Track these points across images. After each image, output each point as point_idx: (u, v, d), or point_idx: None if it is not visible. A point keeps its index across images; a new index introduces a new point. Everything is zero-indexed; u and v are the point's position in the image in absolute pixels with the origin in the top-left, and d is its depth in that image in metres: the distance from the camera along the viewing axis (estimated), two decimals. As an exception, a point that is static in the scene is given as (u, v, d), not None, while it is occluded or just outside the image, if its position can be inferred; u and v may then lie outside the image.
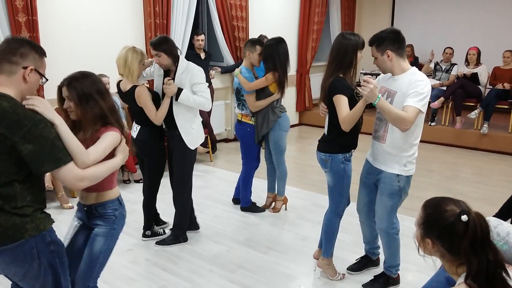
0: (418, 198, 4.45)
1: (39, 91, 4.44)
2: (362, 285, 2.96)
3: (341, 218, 2.97)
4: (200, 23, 7.22)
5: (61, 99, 2.04)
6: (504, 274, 1.40)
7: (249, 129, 3.99)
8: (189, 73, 3.30)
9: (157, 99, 3.32)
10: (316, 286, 3.00)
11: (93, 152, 1.88)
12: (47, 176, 4.05)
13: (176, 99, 3.24)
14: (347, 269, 3.14)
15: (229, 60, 6.69)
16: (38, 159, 1.65)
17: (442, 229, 1.45)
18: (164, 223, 3.87)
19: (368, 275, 3.06)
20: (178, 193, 3.54)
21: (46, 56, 1.85)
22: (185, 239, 3.59)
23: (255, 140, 3.99)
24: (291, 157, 6.26)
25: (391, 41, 2.55)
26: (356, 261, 3.17)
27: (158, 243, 3.56)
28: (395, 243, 2.84)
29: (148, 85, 3.60)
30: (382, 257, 3.07)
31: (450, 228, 1.43)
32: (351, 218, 3.39)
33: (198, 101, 3.29)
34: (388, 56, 2.56)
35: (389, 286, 2.94)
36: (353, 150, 2.88)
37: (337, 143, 2.81)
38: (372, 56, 2.67)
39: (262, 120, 3.91)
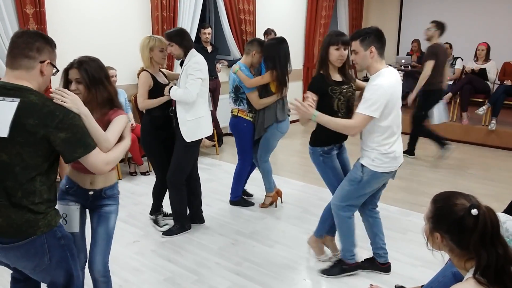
0: (425, 194, 4.49)
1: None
2: (320, 271, 3.04)
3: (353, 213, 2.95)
4: (207, 16, 7.20)
5: (66, 82, 2.07)
6: None
7: (245, 124, 3.94)
8: (188, 64, 3.35)
9: (158, 91, 3.39)
10: (321, 280, 3.00)
11: (111, 137, 1.98)
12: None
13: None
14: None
15: (235, 53, 6.68)
16: (71, 146, 1.73)
17: (451, 223, 1.44)
18: (166, 215, 3.87)
19: (375, 275, 3.06)
20: (168, 183, 3.54)
21: (56, 47, 1.87)
22: (189, 227, 3.65)
23: (257, 134, 3.96)
24: (296, 151, 6.26)
25: (376, 38, 2.56)
26: (360, 261, 3.10)
27: (165, 233, 3.59)
28: (345, 225, 2.91)
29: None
30: (392, 262, 3.07)
31: (459, 222, 1.42)
32: (357, 213, 3.38)
33: (179, 94, 3.30)
34: (371, 52, 2.56)
35: (345, 272, 2.99)
36: (334, 145, 2.95)
37: (317, 136, 2.94)
38: (352, 51, 2.67)
39: (264, 117, 3.87)
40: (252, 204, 4.24)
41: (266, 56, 3.80)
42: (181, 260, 3.22)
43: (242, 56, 6.46)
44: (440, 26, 5.52)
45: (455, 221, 1.43)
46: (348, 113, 2.89)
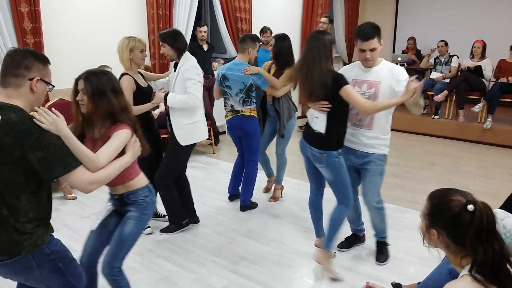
0: (421, 191, 4.50)
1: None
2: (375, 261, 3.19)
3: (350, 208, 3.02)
4: (203, 14, 7.18)
5: (75, 91, 2.08)
6: (508, 266, 1.40)
7: (256, 124, 4.00)
8: (185, 67, 3.33)
9: (141, 95, 3.31)
10: (318, 277, 3.01)
11: (104, 155, 1.92)
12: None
13: (165, 104, 3.38)
14: (338, 246, 3.31)
15: (231, 51, 6.67)
16: (48, 165, 1.69)
17: (448, 219, 1.45)
18: (159, 216, 3.85)
19: (357, 252, 3.10)
20: (156, 185, 3.48)
21: (49, 64, 1.86)
22: (187, 224, 3.66)
23: (280, 132, 4.09)
24: (293, 149, 6.23)
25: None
26: (345, 239, 3.36)
27: (162, 231, 3.60)
28: (385, 214, 3.13)
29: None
30: (389, 259, 3.21)
31: (456, 218, 1.42)
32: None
33: (183, 100, 3.29)
34: (381, 45, 2.76)
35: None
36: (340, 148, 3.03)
37: (334, 140, 2.81)
38: (371, 49, 2.70)
39: (288, 112, 4.05)
40: (257, 204, 4.18)
41: (279, 52, 3.92)
42: (178, 259, 3.22)
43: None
44: (332, 21, 6.18)
45: (451, 217, 1.44)
46: None
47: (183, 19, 5.73)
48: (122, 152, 2.04)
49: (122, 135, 2.03)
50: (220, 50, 6.87)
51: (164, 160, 3.49)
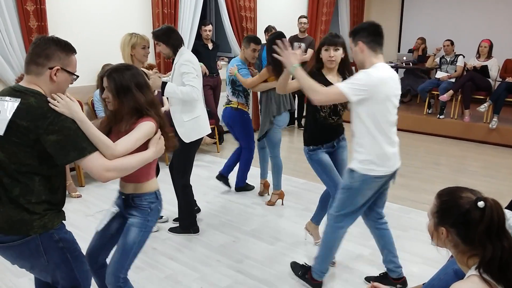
0: (426, 191, 4.48)
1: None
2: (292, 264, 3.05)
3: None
4: (208, 13, 7.18)
5: (101, 89, 2.07)
6: None
7: (245, 115, 4.21)
8: (179, 62, 3.27)
9: None
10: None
11: (123, 144, 1.88)
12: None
13: (163, 94, 3.24)
14: (365, 278, 2.97)
15: (236, 50, 6.66)
16: (62, 149, 1.69)
17: (457, 216, 1.43)
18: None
19: (361, 251, 3.06)
20: (175, 184, 3.57)
21: (75, 52, 1.84)
22: (195, 230, 3.58)
23: (259, 136, 4.09)
24: (298, 149, 6.25)
25: (365, 32, 2.43)
26: (378, 275, 2.92)
27: (170, 230, 3.62)
28: (331, 237, 2.79)
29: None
30: (408, 275, 2.88)
31: (466, 215, 1.41)
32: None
33: (185, 91, 3.19)
34: (360, 47, 2.43)
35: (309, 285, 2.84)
36: (321, 145, 3.03)
37: (307, 136, 3.09)
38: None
39: (266, 110, 3.97)
40: (253, 187, 4.54)
41: (268, 51, 3.82)
42: (182, 258, 3.22)
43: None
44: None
45: (461, 215, 1.42)
46: (333, 114, 2.97)
47: (188, 18, 5.73)
48: (144, 148, 1.99)
49: (144, 127, 1.98)
50: (225, 49, 6.87)
51: (174, 161, 3.48)
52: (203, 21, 5.95)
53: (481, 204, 1.38)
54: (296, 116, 7.47)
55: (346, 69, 3.04)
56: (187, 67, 3.23)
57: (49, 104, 1.70)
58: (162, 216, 3.78)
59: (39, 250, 1.77)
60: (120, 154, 1.84)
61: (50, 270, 1.85)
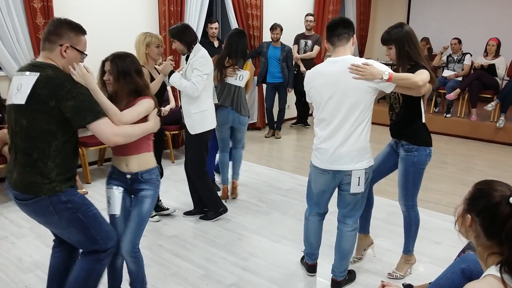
0: (433, 190, 4.46)
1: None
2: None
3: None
4: (214, 11, 7.18)
5: (102, 72, 2.28)
6: None
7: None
8: (194, 58, 3.40)
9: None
10: (327, 275, 2.99)
11: (127, 113, 2.13)
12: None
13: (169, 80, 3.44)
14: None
15: (242, 48, 6.65)
16: (79, 112, 1.93)
17: (485, 206, 1.42)
18: (163, 209, 3.86)
19: (368, 251, 3.05)
20: (193, 177, 3.68)
21: (84, 34, 2.07)
22: (224, 210, 3.80)
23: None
24: (302, 146, 6.25)
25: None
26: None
27: (201, 218, 3.76)
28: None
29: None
30: (415, 274, 3.02)
31: (494, 207, 1.40)
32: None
33: (184, 85, 3.37)
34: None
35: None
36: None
37: (424, 134, 2.75)
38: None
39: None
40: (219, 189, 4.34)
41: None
42: (188, 255, 3.23)
43: (249, 51, 6.51)
44: None
45: (489, 206, 1.41)
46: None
47: (194, 16, 5.73)
48: (144, 121, 2.22)
49: (145, 103, 2.22)
50: (231, 47, 6.85)
51: (187, 152, 3.64)
52: (209, 18, 5.94)
53: None
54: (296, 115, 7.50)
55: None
56: (199, 64, 3.36)
57: (69, 71, 1.96)
58: (168, 208, 3.86)
59: (49, 209, 1.99)
60: (126, 122, 2.10)
61: (64, 227, 2.08)
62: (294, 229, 3.65)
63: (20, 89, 1.92)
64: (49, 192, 1.97)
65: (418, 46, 2.61)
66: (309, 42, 6.79)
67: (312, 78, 2.52)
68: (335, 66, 2.42)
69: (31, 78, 1.91)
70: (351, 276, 2.89)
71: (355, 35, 2.57)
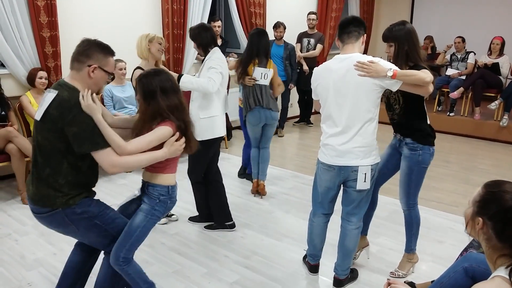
0: (435, 189, 4.45)
1: (57, 73, 4.50)
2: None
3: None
4: (217, 9, 7.18)
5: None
6: None
7: (241, 113, 4.42)
8: (210, 59, 3.34)
9: None
10: (329, 273, 2.99)
11: (135, 143, 2.08)
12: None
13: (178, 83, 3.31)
14: None
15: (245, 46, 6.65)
16: (78, 140, 1.96)
17: (498, 210, 1.39)
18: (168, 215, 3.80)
19: (370, 249, 3.05)
20: (191, 182, 3.59)
21: (113, 55, 2.12)
22: (231, 226, 3.58)
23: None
24: (306, 145, 6.24)
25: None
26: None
27: (206, 227, 3.61)
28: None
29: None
30: (417, 273, 3.02)
31: (507, 211, 1.37)
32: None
33: (200, 82, 3.23)
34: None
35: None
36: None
37: (428, 133, 2.78)
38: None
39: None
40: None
41: None
42: (190, 253, 3.23)
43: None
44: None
45: (502, 210, 1.38)
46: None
47: (198, 14, 5.73)
48: (160, 147, 2.14)
49: (159, 131, 2.12)
50: (234, 45, 6.86)
51: (190, 159, 3.49)
52: (212, 17, 5.94)
53: None
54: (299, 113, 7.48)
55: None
56: (214, 63, 3.29)
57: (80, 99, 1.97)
58: (173, 214, 3.79)
59: (65, 221, 2.06)
60: (131, 152, 2.05)
61: (83, 234, 2.16)
62: (297, 228, 3.65)
63: (41, 106, 1.99)
64: (62, 205, 2.03)
65: (418, 47, 2.60)
66: (312, 41, 6.78)
67: (320, 75, 2.55)
68: (343, 63, 2.44)
69: (50, 96, 1.97)
70: (353, 274, 2.89)
71: (365, 35, 2.57)
